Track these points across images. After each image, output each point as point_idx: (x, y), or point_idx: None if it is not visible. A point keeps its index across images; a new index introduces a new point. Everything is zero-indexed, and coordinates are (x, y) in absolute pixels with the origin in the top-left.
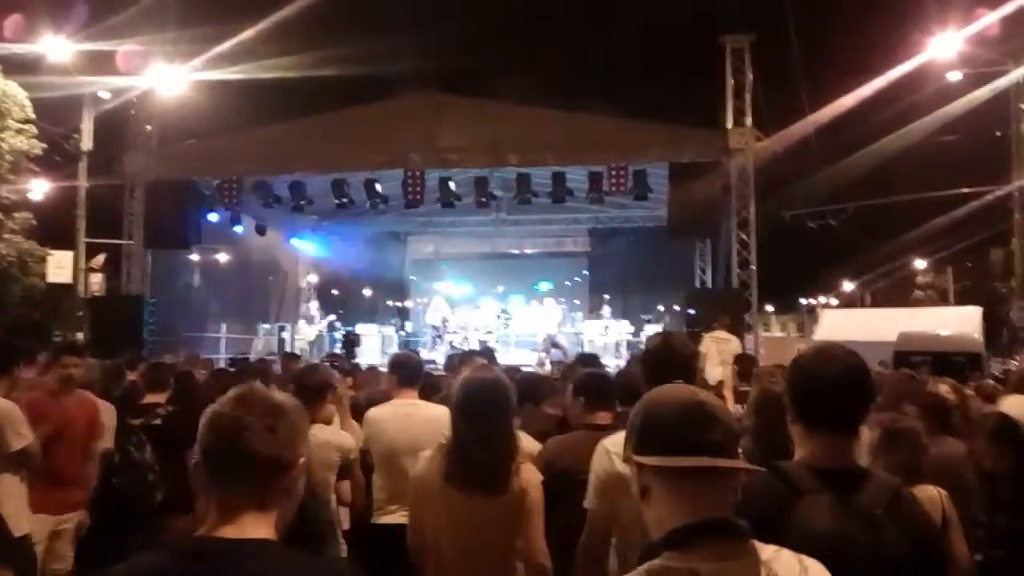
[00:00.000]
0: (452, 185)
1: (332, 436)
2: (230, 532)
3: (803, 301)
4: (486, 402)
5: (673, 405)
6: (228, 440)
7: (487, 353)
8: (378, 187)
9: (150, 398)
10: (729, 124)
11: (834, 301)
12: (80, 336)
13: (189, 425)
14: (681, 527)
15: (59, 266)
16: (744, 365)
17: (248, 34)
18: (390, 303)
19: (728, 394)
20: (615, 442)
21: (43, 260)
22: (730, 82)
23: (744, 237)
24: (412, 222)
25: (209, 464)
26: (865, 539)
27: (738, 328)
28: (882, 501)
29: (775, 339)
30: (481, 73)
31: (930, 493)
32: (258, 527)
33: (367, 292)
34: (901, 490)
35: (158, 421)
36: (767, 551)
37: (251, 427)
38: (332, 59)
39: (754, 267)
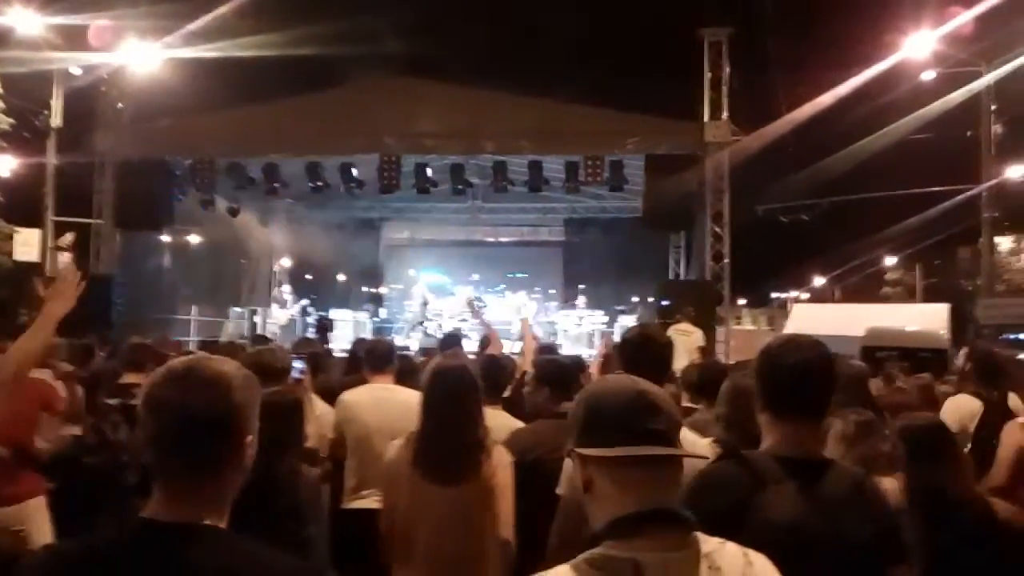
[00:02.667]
0: (428, 171)
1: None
2: (177, 515)
3: (774, 295)
4: (452, 391)
5: (615, 395)
6: (170, 415)
7: (455, 340)
8: (354, 171)
9: (129, 378)
10: (706, 117)
11: (804, 295)
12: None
13: None
14: (624, 516)
15: (26, 244)
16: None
17: (223, 11)
18: (364, 289)
19: None
20: None
21: (10, 238)
22: (707, 75)
23: (718, 230)
24: (387, 207)
25: (152, 442)
26: (825, 529)
27: (709, 320)
28: (844, 491)
29: (746, 332)
30: (460, 59)
31: (893, 484)
32: (206, 510)
33: (341, 277)
34: (864, 480)
35: (135, 402)
36: (711, 543)
37: (195, 401)
38: (309, 39)
39: (727, 260)
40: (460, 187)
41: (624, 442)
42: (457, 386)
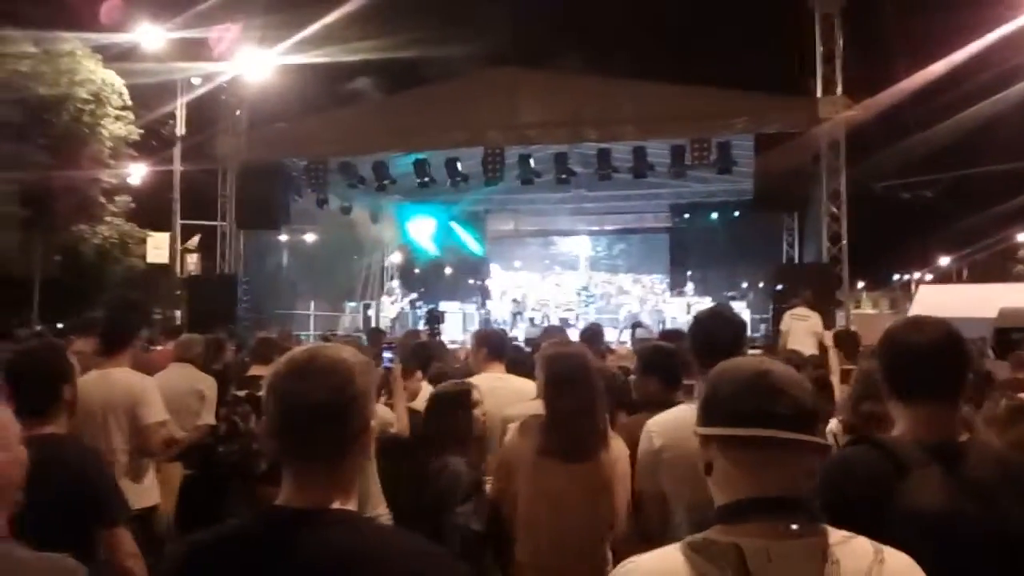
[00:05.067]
0: (531, 162)
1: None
2: (306, 501)
3: (895, 277)
4: (577, 376)
5: (737, 376)
6: (294, 403)
7: (592, 330)
8: (458, 165)
9: (256, 370)
10: (819, 93)
11: (929, 276)
12: (178, 314)
13: None
14: (734, 501)
15: (157, 247)
16: (847, 343)
17: (331, 18)
18: (470, 281)
19: (835, 379)
20: (656, 421)
21: (142, 242)
22: (820, 49)
23: (835, 210)
24: (491, 200)
25: (278, 430)
26: (980, 514)
27: (828, 305)
28: (995, 473)
29: (868, 316)
30: (560, 47)
31: None
32: (334, 494)
33: (448, 270)
34: (1009, 457)
35: (262, 393)
36: (836, 536)
37: (317, 389)
38: (412, 40)
39: (845, 241)
40: (564, 176)
41: (742, 424)
42: (582, 371)
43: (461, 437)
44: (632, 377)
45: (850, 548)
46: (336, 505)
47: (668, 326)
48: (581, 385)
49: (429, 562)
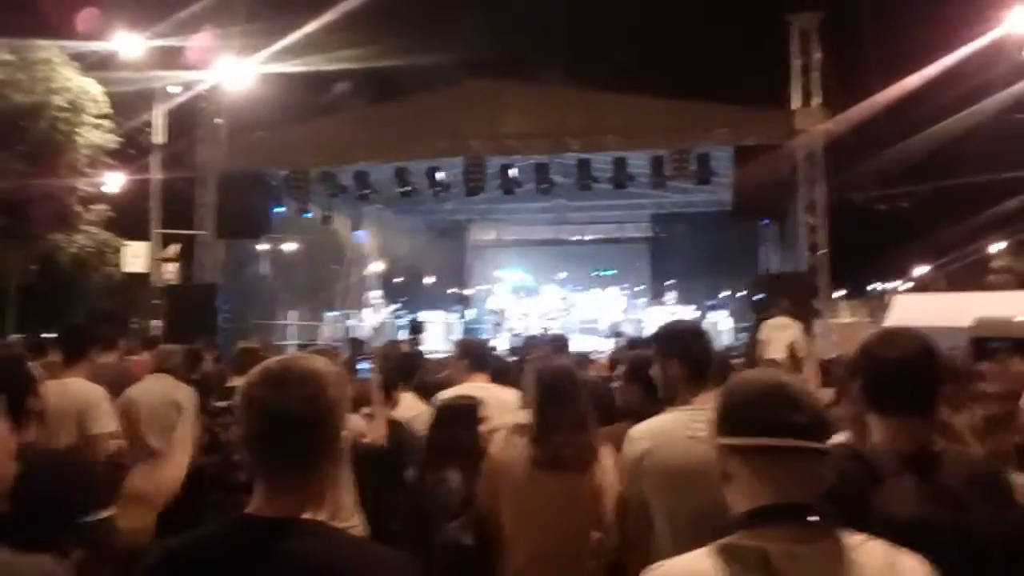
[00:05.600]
0: (513, 172)
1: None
2: (277, 510)
3: (872, 286)
4: (565, 389)
5: (754, 388)
6: (267, 413)
7: (560, 340)
8: (439, 175)
9: (237, 381)
10: (796, 104)
11: (905, 286)
12: (156, 323)
13: None
14: (756, 508)
15: (135, 256)
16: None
17: (312, 27)
18: (452, 290)
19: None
20: (639, 429)
21: (119, 251)
22: (797, 61)
23: (812, 220)
24: (473, 209)
25: (251, 439)
26: (951, 521)
27: (805, 314)
28: (967, 481)
29: (846, 325)
30: (542, 58)
31: None
32: (305, 504)
33: (429, 280)
34: (988, 469)
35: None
36: (852, 539)
37: (290, 399)
38: (393, 50)
39: (824, 251)
40: (545, 186)
41: (760, 434)
42: (571, 384)
43: (465, 452)
44: (614, 386)
45: (866, 550)
46: (308, 515)
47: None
48: (569, 397)
49: (402, 570)
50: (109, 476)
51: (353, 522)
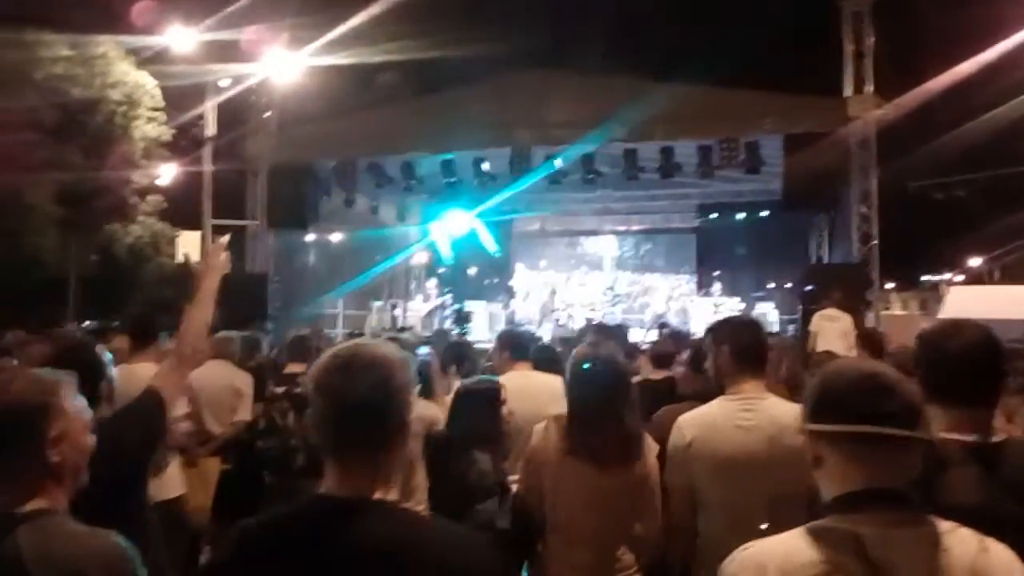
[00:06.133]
0: (558, 162)
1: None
2: (349, 490)
3: (925, 278)
4: (602, 378)
5: (849, 376)
6: (339, 398)
7: (617, 330)
8: (485, 165)
9: (292, 368)
10: (848, 92)
11: (959, 277)
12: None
13: None
14: (848, 492)
15: (188, 246)
16: (872, 344)
17: (359, 19)
18: (495, 280)
19: None
20: (687, 417)
21: (173, 241)
22: (849, 47)
23: (865, 210)
24: (518, 199)
25: (323, 423)
26: (1016, 511)
27: (857, 306)
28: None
29: (898, 317)
30: (587, 47)
31: None
32: (376, 485)
33: (473, 270)
34: None
35: (300, 389)
36: (943, 526)
37: (360, 384)
38: (439, 40)
39: (876, 242)
40: (590, 176)
41: (857, 421)
42: (609, 372)
43: (488, 434)
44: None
45: (958, 537)
46: (378, 495)
47: (694, 327)
48: (606, 387)
49: (469, 550)
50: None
51: (422, 504)
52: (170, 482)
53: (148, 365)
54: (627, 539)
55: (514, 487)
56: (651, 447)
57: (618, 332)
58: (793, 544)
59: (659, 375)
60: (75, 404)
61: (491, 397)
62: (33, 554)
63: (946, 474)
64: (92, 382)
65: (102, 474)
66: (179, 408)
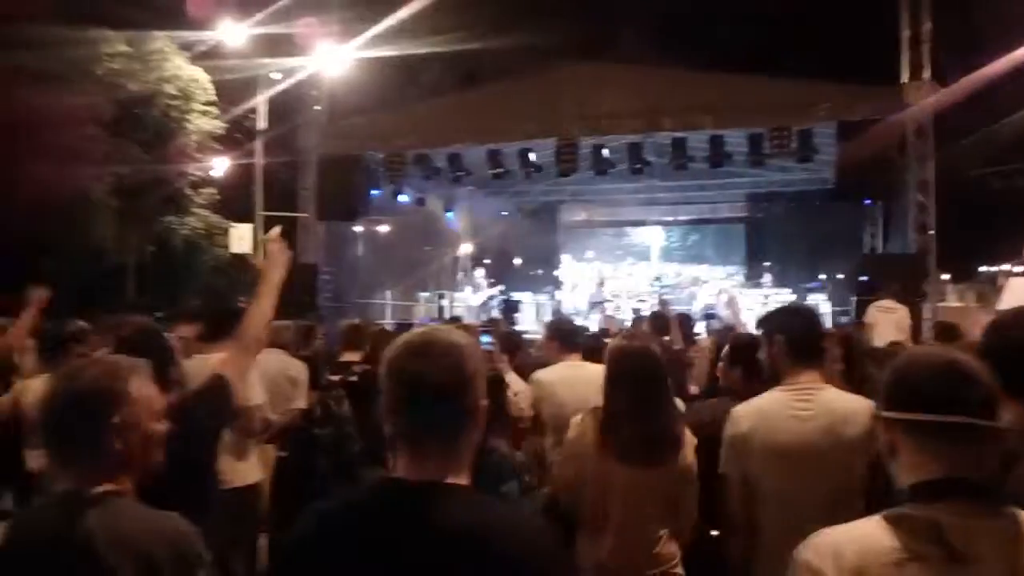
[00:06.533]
0: (605, 152)
1: None
2: (421, 475)
3: (982, 269)
4: (637, 373)
5: (928, 364)
6: (412, 383)
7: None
8: (531, 156)
9: (346, 356)
10: (905, 78)
11: (1019, 268)
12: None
13: None
14: (926, 481)
15: (240, 238)
16: (948, 335)
17: (407, 11)
18: (541, 271)
19: None
20: (744, 408)
21: (226, 232)
22: (906, 33)
23: (922, 199)
24: (564, 191)
25: (396, 408)
26: None
27: (914, 297)
28: None
29: (955, 309)
30: (634, 36)
31: None
32: (448, 470)
33: (519, 260)
34: None
35: (355, 378)
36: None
37: (434, 369)
38: (486, 31)
39: (933, 232)
40: (638, 166)
41: (930, 410)
42: (643, 367)
43: (500, 420)
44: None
45: None
46: (450, 480)
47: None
48: (641, 381)
49: (537, 533)
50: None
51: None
52: (249, 469)
53: (223, 355)
54: (660, 533)
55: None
56: (689, 441)
57: (684, 320)
58: (871, 531)
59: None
60: (144, 391)
61: (495, 383)
62: (103, 535)
63: (1015, 467)
64: (161, 368)
65: (170, 458)
66: (258, 396)
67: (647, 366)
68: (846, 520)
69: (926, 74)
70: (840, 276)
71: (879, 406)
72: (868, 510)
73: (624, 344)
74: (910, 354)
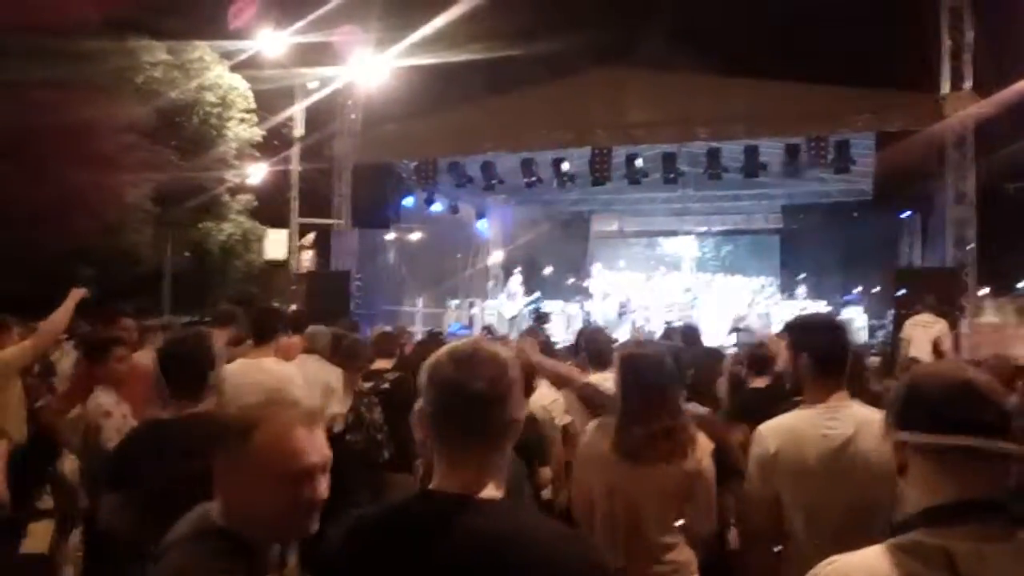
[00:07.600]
0: (639, 162)
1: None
2: (459, 485)
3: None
4: (649, 378)
5: (942, 383)
6: (455, 392)
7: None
8: (564, 165)
9: (378, 364)
10: (946, 89)
11: None
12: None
13: (413, 390)
14: (938, 505)
15: (275, 244)
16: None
17: (441, 20)
18: (572, 281)
19: None
20: (770, 426)
21: (262, 239)
22: (947, 43)
23: (961, 211)
24: (596, 200)
25: (437, 416)
26: None
27: (952, 312)
28: None
29: (990, 325)
30: (668, 44)
31: None
32: (485, 480)
33: (549, 270)
34: None
35: (386, 385)
36: None
37: (477, 379)
38: (519, 39)
39: (972, 245)
40: (672, 176)
41: (950, 432)
42: (654, 372)
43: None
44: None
45: None
46: (487, 491)
47: (775, 331)
48: (650, 386)
49: (576, 547)
50: None
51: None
52: None
53: (271, 360)
54: (674, 539)
55: None
56: (703, 446)
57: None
58: (879, 560)
59: (762, 382)
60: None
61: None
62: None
63: None
64: (204, 372)
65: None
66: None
67: (657, 372)
68: (875, 533)
69: (967, 84)
70: (877, 289)
71: (889, 424)
72: (896, 530)
73: (634, 350)
74: (921, 370)
